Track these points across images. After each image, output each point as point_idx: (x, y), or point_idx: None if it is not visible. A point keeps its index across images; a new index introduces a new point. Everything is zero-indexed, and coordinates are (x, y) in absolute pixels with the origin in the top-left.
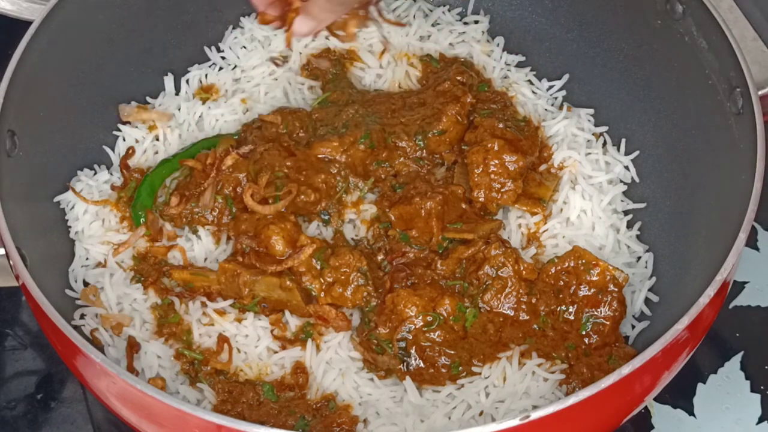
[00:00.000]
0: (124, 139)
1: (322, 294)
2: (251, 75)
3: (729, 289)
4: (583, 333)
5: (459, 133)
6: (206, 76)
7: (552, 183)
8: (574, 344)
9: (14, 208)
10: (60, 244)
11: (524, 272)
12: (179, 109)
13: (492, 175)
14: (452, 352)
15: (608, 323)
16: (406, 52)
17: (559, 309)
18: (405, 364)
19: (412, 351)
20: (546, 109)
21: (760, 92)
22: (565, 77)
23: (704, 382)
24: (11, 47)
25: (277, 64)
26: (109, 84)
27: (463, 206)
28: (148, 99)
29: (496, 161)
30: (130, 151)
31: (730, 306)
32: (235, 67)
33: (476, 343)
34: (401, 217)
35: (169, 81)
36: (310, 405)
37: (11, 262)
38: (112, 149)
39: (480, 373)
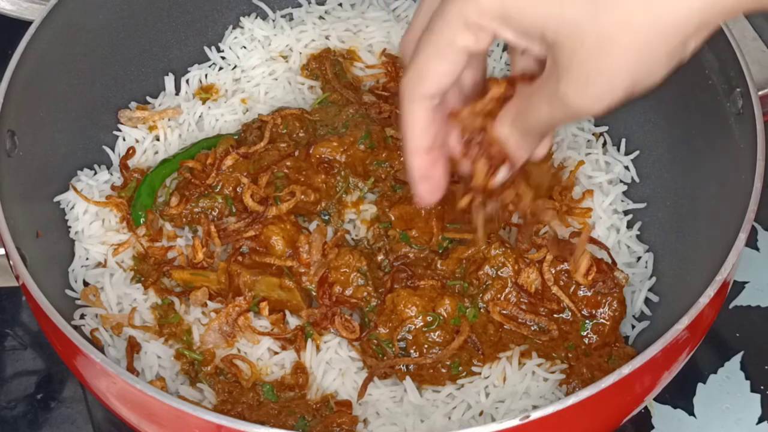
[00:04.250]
0: (124, 139)
1: None
2: (251, 75)
3: (729, 289)
4: (583, 333)
5: None
6: (206, 76)
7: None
8: (573, 344)
9: (14, 208)
10: (60, 244)
11: (525, 285)
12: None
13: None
14: None
15: (608, 323)
16: None
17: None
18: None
19: (413, 351)
20: None
21: (760, 92)
22: None
23: (704, 382)
24: (11, 47)
25: None
26: (109, 84)
27: None
28: (149, 99)
29: None
30: (130, 151)
31: (730, 306)
32: (235, 67)
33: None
34: (401, 217)
35: (169, 81)
36: (310, 405)
37: (11, 262)
38: (112, 149)
39: (480, 373)
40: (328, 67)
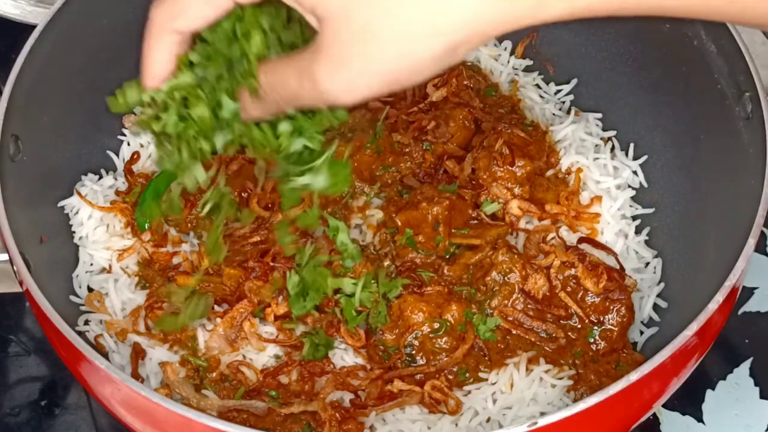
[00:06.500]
0: (128, 144)
1: None
2: None
3: (738, 295)
4: (591, 339)
5: (466, 138)
6: None
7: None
8: (581, 351)
9: (18, 213)
10: (64, 250)
11: (532, 291)
12: None
13: (499, 180)
14: None
15: (616, 329)
16: None
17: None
18: None
19: (419, 358)
20: (554, 114)
21: None
22: (573, 81)
23: (713, 389)
24: (15, 51)
25: None
26: (114, 88)
27: (470, 212)
28: None
29: (504, 166)
30: (135, 156)
31: (740, 312)
32: None
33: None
34: (408, 223)
35: None
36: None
37: (15, 268)
38: (117, 154)
39: (487, 380)
40: None
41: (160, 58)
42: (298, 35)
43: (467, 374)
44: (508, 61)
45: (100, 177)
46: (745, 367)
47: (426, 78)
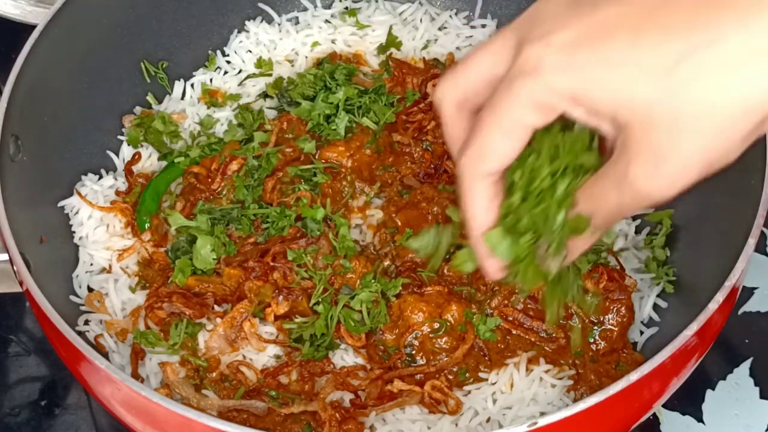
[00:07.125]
0: (128, 144)
1: None
2: (257, 79)
3: (738, 295)
4: (591, 340)
5: None
6: (211, 80)
7: None
8: (581, 350)
9: (18, 213)
10: (64, 250)
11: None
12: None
13: None
14: None
15: (616, 329)
16: (412, 56)
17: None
18: None
19: (419, 358)
20: None
21: None
22: None
23: (713, 389)
24: (15, 51)
25: None
26: (114, 88)
27: None
28: (153, 104)
29: None
30: (136, 157)
31: (740, 312)
32: (240, 71)
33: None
34: (408, 222)
35: (177, 85)
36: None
37: (15, 268)
38: (117, 154)
39: (487, 380)
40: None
41: (480, 206)
42: (590, 154)
43: (467, 374)
44: None
45: (100, 177)
46: (745, 367)
47: (736, 157)
